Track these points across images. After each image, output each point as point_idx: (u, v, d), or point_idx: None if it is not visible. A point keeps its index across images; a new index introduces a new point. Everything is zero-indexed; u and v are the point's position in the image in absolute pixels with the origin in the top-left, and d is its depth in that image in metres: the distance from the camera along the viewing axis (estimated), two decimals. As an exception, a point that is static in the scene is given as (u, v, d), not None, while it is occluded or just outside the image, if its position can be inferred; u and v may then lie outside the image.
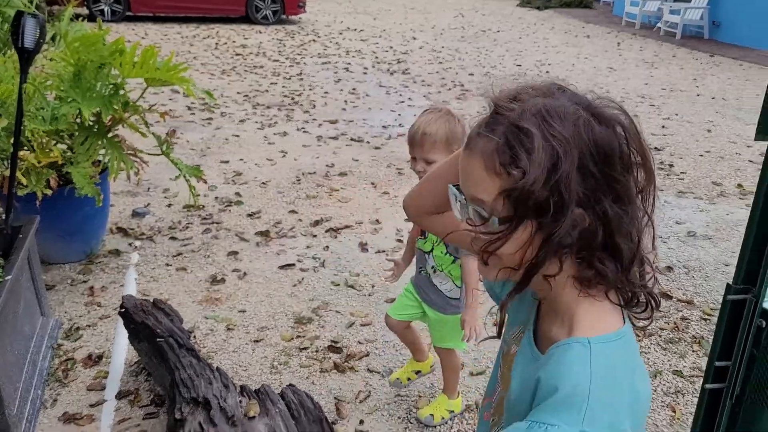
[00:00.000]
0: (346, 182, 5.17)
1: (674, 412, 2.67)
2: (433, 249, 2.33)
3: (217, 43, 11.75)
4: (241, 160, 5.57)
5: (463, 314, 2.29)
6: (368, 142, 6.26)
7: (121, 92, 3.32)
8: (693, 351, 3.09)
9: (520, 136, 0.79)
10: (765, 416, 1.52)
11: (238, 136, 6.26)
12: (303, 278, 3.65)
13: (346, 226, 4.35)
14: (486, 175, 0.82)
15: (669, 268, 3.89)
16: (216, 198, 4.71)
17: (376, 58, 10.97)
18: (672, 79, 10.01)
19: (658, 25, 15.18)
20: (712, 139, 6.73)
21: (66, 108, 3.14)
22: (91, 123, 3.33)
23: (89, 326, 3.13)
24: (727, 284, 1.52)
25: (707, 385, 1.55)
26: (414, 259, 2.52)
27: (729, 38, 13.64)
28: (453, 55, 11.45)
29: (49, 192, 3.02)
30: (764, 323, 1.48)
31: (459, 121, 2.21)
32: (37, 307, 2.93)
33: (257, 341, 3.09)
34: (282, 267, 3.77)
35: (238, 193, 4.81)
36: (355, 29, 14.49)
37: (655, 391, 2.81)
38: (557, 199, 0.78)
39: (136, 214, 4.34)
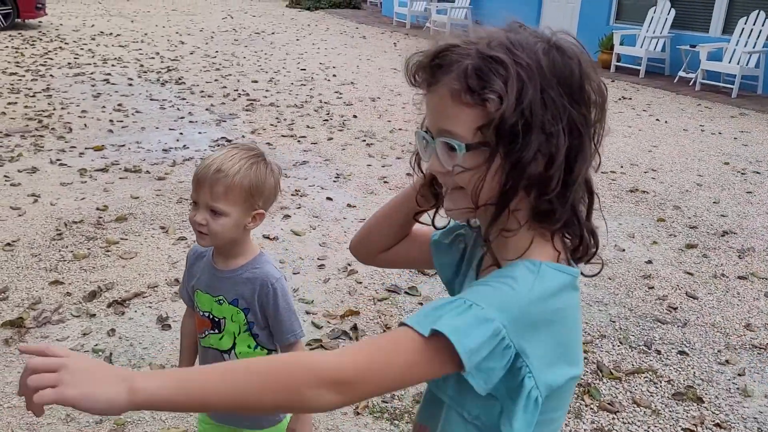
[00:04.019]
0: (127, 230, 4.07)
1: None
2: (235, 345, 1.60)
3: (-71, 54, 9.46)
4: (-28, 212, 4.18)
5: (293, 424, 1.63)
6: (148, 172, 5.15)
7: None
8: (586, 405, 2.67)
9: (491, 64, 0.80)
10: None
11: (-35, 178, 4.77)
12: (83, 388, 2.60)
13: (136, 294, 3.31)
14: (457, 106, 0.83)
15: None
16: (-64, 276, 3.37)
17: (142, 66, 9.60)
18: (453, 78, 10.09)
19: (427, 24, 15.59)
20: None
21: None
22: None
23: None
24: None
25: None
26: (199, 363, 1.73)
27: (491, 36, 14.40)
28: (230, 60, 10.47)
29: None
30: None
31: (274, 171, 1.53)
32: None
33: None
34: (48, 374, 2.67)
35: (-30, 265, 3.50)
36: (111, 33, 12.76)
37: (566, 471, 2.32)
38: (524, 125, 0.80)
39: None
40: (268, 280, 1.56)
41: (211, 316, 1.60)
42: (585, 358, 2.97)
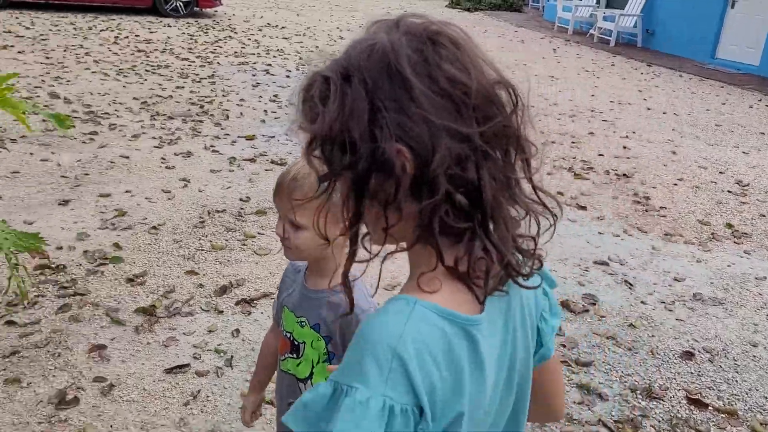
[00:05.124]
0: (264, 224, 4.05)
1: None
2: (312, 374, 1.41)
3: (116, 37, 10.28)
4: (127, 192, 4.34)
5: None
6: (292, 166, 5.14)
7: None
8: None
9: (321, 86, 0.75)
10: None
11: (127, 157, 5.00)
12: (200, 390, 2.52)
13: (264, 295, 3.24)
14: (303, 137, 0.79)
15: (689, 354, 3.01)
16: (85, 252, 3.48)
17: (301, 59, 9.82)
18: (617, 91, 9.40)
19: (592, 31, 14.76)
20: (680, 163, 6.02)
21: None
22: None
23: None
24: None
25: None
26: (276, 387, 1.54)
27: (662, 47, 13.32)
28: (385, 58, 10.44)
29: None
30: None
31: None
32: None
33: None
34: (170, 370, 2.62)
35: (117, 245, 3.59)
36: (277, 26, 13.27)
37: None
38: (351, 143, 0.73)
39: (-39, 282, 3.07)
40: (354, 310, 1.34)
41: (291, 338, 1.43)
42: (762, 444, 2.46)
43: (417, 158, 0.72)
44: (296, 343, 1.41)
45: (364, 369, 0.71)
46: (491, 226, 0.76)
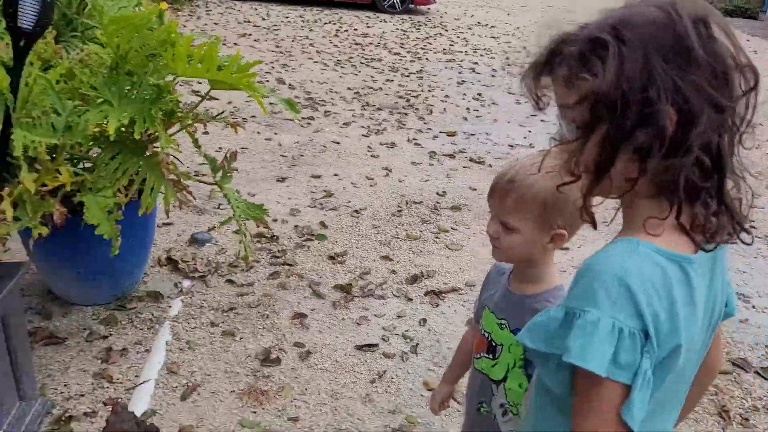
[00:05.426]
0: (458, 220, 4.11)
1: None
2: (506, 378, 1.38)
3: (337, 30, 10.98)
4: (335, 175, 4.65)
5: None
6: (490, 165, 5.15)
7: (168, 97, 2.43)
8: None
9: (594, 47, 0.83)
10: None
11: (338, 143, 5.35)
12: (385, 371, 2.65)
13: (453, 289, 3.29)
14: (567, 90, 0.86)
15: None
16: (295, 227, 3.79)
17: (508, 59, 9.76)
18: None
19: None
20: None
21: (94, 114, 2.29)
22: (122, 135, 2.46)
23: (87, 415, 2.29)
24: None
25: None
26: (468, 384, 1.55)
27: None
28: (596, 62, 10.02)
29: (44, 231, 2.18)
30: None
31: None
32: (11, 388, 2.12)
33: (306, 475, 2.13)
34: (360, 347, 2.78)
35: (323, 223, 3.87)
36: (486, 25, 13.29)
37: None
38: (625, 100, 0.81)
39: (194, 240, 3.50)
40: None
41: (489, 338, 1.44)
42: None
43: (681, 121, 0.81)
44: (494, 344, 1.43)
45: (594, 295, 0.81)
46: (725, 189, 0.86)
